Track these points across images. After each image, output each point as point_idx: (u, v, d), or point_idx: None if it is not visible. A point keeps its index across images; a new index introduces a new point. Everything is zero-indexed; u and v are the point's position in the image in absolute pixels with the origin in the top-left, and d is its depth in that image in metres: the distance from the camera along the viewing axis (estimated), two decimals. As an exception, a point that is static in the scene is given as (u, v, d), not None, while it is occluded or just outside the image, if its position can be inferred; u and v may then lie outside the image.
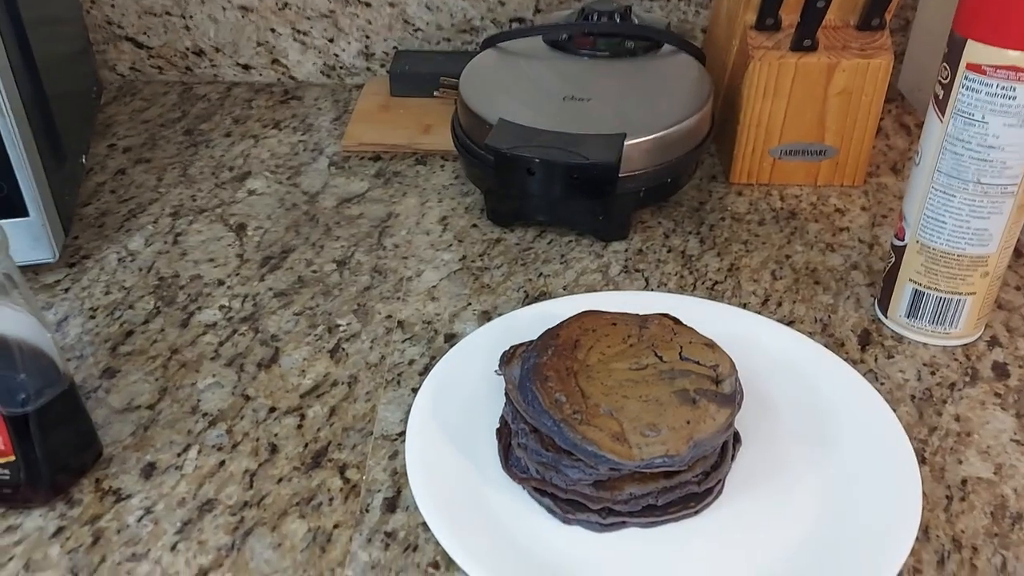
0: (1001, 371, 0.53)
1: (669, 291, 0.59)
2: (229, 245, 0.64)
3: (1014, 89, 0.46)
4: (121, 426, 0.49)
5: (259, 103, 0.82)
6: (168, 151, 0.75)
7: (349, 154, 0.74)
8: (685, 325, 0.47)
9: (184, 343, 0.55)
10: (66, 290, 0.59)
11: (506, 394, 0.45)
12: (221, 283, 0.60)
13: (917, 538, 0.42)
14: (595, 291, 0.59)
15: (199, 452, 0.48)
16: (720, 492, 0.44)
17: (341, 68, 0.85)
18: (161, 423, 0.49)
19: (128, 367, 0.53)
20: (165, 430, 0.49)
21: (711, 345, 0.45)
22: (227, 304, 0.58)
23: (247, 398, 0.51)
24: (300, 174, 0.72)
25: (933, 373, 0.53)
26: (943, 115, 0.49)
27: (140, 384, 0.52)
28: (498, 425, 0.47)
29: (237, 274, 0.61)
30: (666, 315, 0.48)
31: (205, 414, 0.50)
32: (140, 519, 0.44)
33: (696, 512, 0.43)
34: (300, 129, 0.78)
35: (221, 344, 0.55)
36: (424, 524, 0.43)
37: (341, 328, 0.56)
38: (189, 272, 0.61)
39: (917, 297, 0.54)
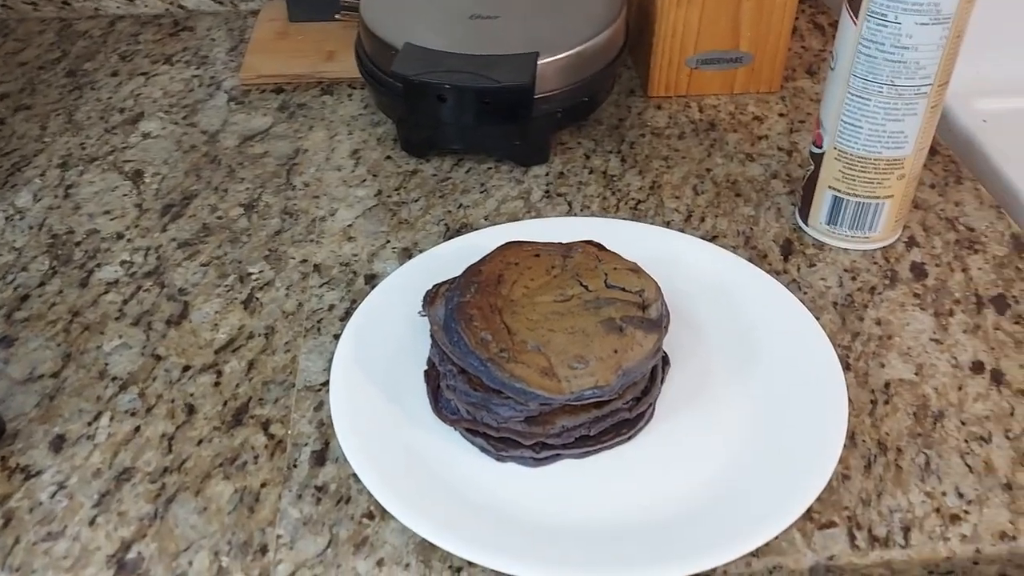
0: (919, 271, 0.54)
1: (592, 214, 0.58)
2: (125, 195, 0.60)
3: (926, -13, 0.45)
4: (24, 398, 0.46)
5: (147, 37, 0.77)
6: (50, 96, 0.69)
7: (248, 87, 0.70)
8: (609, 251, 0.46)
9: (85, 304, 0.52)
10: (-51, 256, 0.55)
11: (432, 335, 0.44)
12: (120, 236, 0.56)
13: (844, 444, 0.43)
14: (518, 219, 0.57)
15: (111, 419, 0.45)
16: (651, 416, 0.44)
17: (233, -6, 0.80)
18: (67, 391, 0.46)
19: (26, 334, 0.50)
20: (72, 398, 0.46)
21: (636, 270, 0.44)
22: (128, 259, 0.55)
23: (158, 358, 0.48)
24: (197, 112, 0.67)
25: (854, 278, 0.53)
26: (856, 17, 0.48)
27: (41, 351, 0.49)
28: (426, 367, 0.45)
29: (137, 226, 0.57)
30: (590, 242, 0.46)
31: (114, 378, 0.47)
32: (53, 495, 0.42)
33: (629, 438, 0.43)
34: (194, 63, 0.73)
35: (125, 302, 0.52)
36: (356, 475, 0.42)
37: (253, 276, 0.53)
38: (84, 227, 0.57)
39: (836, 203, 0.54)
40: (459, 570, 0.39)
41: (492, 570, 0.38)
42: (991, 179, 0.63)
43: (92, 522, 0.41)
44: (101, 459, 0.43)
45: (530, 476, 0.42)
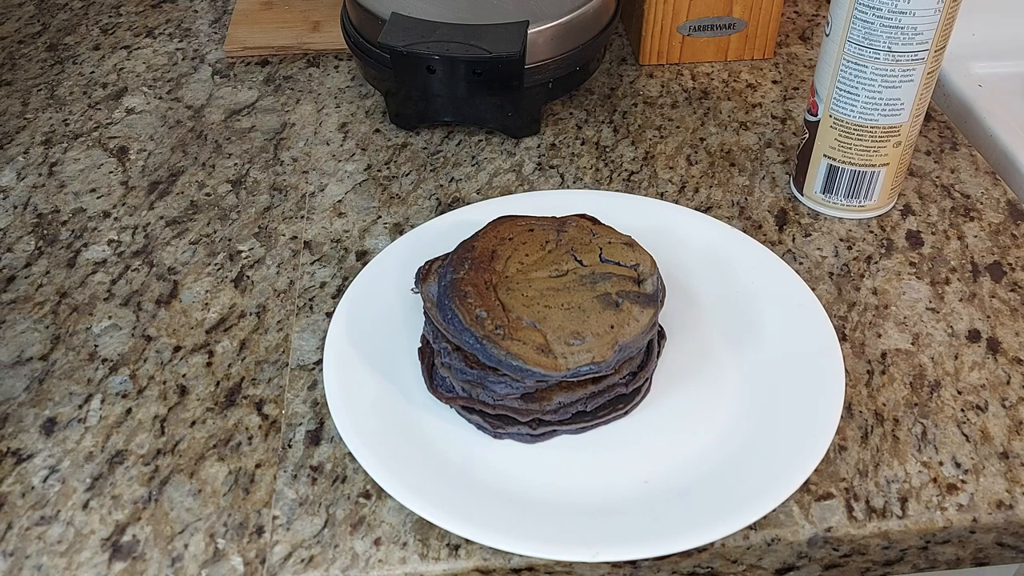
0: (915, 239, 0.54)
1: (585, 186, 0.57)
2: (111, 172, 0.59)
3: (924, -50, 0.44)
4: (13, 381, 0.46)
5: (128, 9, 0.75)
6: (31, 71, 0.68)
7: (233, 60, 0.69)
8: (603, 224, 0.45)
9: (73, 285, 0.51)
10: (-68, 237, 0.54)
11: (425, 313, 0.43)
12: (107, 215, 0.55)
13: (841, 416, 0.43)
14: (510, 193, 0.56)
15: (102, 402, 0.45)
16: (648, 390, 0.44)
17: (215, -37, 0.78)
18: (57, 374, 0.46)
19: (13, 316, 0.49)
20: (63, 381, 0.46)
21: (631, 244, 0.44)
22: (116, 238, 0.54)
23: (148, 339, 0.48)
24: (182, 86, 0.66)
25: (850, 248, 0.53)
26: (853, -18, 0.48)
27: (29, 334, 0.48)
28: (419, 345, 0.45)
29: (123, 204, 0.56)
30: (583, 215, 0.46)
31: (105, 360, 0.47)
32: (45, 479, 0.41)
33: (626, 413, 0.43)
34: (177, 36, 0.72)
35: (114, 282, 0.51)
36: (351, 454, 0.42)
37: (243, 254, 0.53)
38: (70, 206, 0.56)
39: (832, 172, 0.54)
40: (457, 548, 0.39)
41: (490, 547, 0.38)
42: (986, 145, 0.63)
43: (86, 506, 0.40)
44: (93, 442, 0.43)
45: (527, 453, 0.42)
